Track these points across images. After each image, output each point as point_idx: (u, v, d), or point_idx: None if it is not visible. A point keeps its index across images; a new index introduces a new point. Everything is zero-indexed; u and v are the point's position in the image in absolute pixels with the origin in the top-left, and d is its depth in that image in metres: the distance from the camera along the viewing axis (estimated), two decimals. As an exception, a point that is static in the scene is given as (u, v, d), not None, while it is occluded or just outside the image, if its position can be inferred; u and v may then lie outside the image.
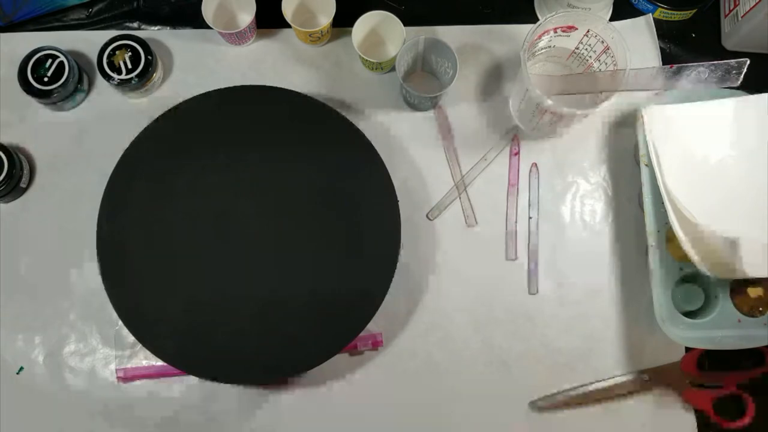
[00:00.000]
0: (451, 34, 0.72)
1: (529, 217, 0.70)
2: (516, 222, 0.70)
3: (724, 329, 0.65)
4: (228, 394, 0.65)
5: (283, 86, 0.68)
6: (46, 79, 0.68)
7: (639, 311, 0.68)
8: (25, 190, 0.69)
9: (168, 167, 0.66)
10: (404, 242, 0.65)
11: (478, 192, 0.71)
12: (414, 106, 0.72)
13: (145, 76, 0.69)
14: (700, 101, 0.67)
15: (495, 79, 0.74)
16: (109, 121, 0.71)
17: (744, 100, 0.67)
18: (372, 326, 0.64)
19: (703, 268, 0.62)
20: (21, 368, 0.66)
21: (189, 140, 0.66)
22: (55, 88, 0.68)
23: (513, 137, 0.72)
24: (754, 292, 0.65)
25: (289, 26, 0.70)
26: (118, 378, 0.65)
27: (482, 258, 0.69)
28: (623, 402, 0.67)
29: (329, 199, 0.65)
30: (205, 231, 0.65)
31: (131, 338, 0.62)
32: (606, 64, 0.67)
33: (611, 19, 0.74)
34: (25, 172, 0.68)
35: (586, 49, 0.68)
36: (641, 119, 0.68)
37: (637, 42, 0.74)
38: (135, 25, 0.74)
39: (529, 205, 0.71)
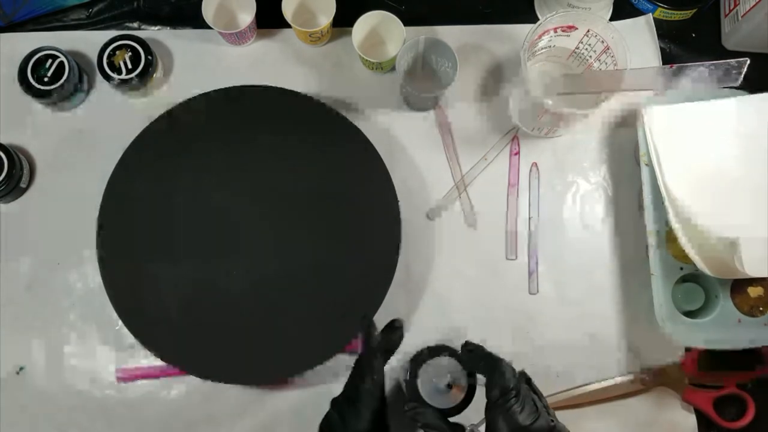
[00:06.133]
0: (451, 34, 0.72)
1: (529, 217, 0.70)
2: (516, 222, 0.70)
3: (724, 329, 0.65)
4: (228, 394, 0.65)
5: (283, 86, 0.68)
6: (46, 79, 0.68)
7: (639, 311, 0.68)
8: (25, 190, 0.69)
9: (168, 167, 0.66)
10: (404, 242, 0.65)
11: (478, 192, 0.71)
12: (414, 106, 0.72)
13: (145, 76, 0.69)
14: (701, 101, 0.67)
15: (495, 79, 0.74)
16: (109, 121, 0.71)
17: (744, 100, 0.67)
18: (372, 326, 0.64)
19: (704, 268, 0.62)
20: (21, 368, 0.66)
21: (189, 140, 0.66)
22: (55, 88, 0.68)
23: (513, 137, 0.72)
24: (754, 292, 0.65)
25: (289, 26, 0.70)
26: (118, 378, 0.65)
27: (482, 258, 0.69)
28: (623, 402, 0.67)
29: (329, 199, 0.65)
30: (205, 231, 0.65)
31: (131, 338, 0.62)
32: (606, 64, 0.67)
33: (611, 19, 0.74)
34: (25, 172, 0.68)
35: (587, 49, 0.68)
36: (641, 119, 0.68)
37: (637, 42, 0.74)
38: (135, 25, 0.74)
39: (529, 205, 0.71)
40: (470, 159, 0.71)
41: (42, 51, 0.69)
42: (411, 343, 0.67)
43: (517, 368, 0.67)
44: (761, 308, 0.65)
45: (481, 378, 0.52)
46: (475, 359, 0.53)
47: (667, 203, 0.64)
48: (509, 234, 0.70)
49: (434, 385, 0.55)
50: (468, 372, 0.55)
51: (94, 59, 0.69)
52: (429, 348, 0.58)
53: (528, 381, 0.54)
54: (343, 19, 0.70)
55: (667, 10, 0.74)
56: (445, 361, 0.56)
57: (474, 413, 0.54)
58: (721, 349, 0.65)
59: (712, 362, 0.65)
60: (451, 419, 0.53)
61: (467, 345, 0.55)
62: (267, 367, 0.62)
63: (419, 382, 0.56)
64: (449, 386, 0.55)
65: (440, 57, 0.69)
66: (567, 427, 0.50)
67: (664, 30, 0.75)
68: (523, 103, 0.70)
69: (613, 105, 0.72)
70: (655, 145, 0.66)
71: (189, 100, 0.67)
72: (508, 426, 0.47)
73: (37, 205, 0.69)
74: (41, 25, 0.74)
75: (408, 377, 0.57)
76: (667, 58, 0.75)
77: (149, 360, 0.65)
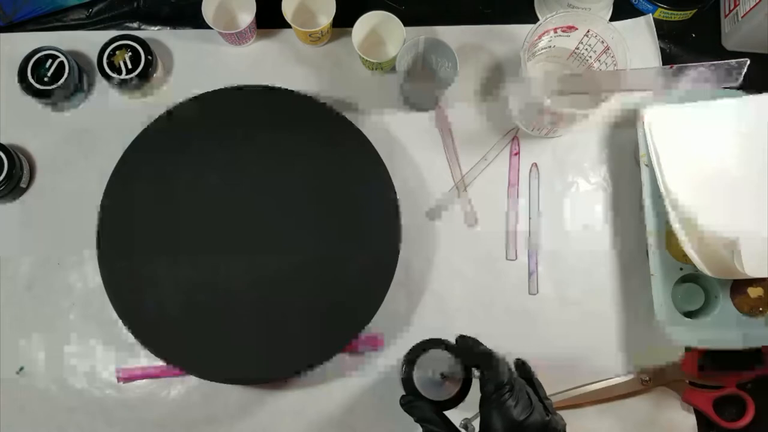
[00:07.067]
0: (451, 34, 0.72)
1: (529, 217, 0.70)
2: (516, 222, 0.70)
3: (724, 329, 0.65)
4: (228, 394, 0.65)
5: (283, 86, 0.68)
6: (46, 79, 0.68)
7: (639, 311, 0.68)
8: (25, 190, 0.69)
9: (168, 167, 0.66)
10: (404, 242, 0.65)
11: (478, 192, 0.71)
12: (414, 106, 0.72)
13: (145, 76, 0.69)
14: (701, 101, 0.67)
15: (495, 79, 0.74)
16: (109, 121, 0.71)
17: (744, 100, 0.67)
18: (372, 326, 0.64)
19: (704, 268, 0.62)
20: (21, 368, 0.66)
21: (189, 140, 0.66)
22: (55, 88, 0.68)
23: (513, 137, 0.72)
24: (754, 292, 0.65)
25: (289, 26, 0.70)
26: (118, 378, 0.65)
27: (482, 258, 0.69)
28: (623, 402, 0.67)
29: (329, 199, 0.65)
30: (205, 231, 0.65)
31: (131, 338, 0.62)
32: (606, 64, 0.67)
33: (611, 19, 0.74)
34: (25, 172, 0.68)
35: (587, 49, 0.68)
36: (641, 119, 0.68)
37: (637, 42, 0.74)
38: (135, 25, 0.74)
39: (529, 205, 0.71)
40: (470, 159, 0.71)
41: (42, 51, 0.69)
42: (411, 343, 0.67)
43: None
44: (761, 308, 0.65)
45: (477, 372, 0.52)
46: (470, 353, 0.53)
47: (667, 203, 0.64)
48: (509, 234, 0.70)
49: (429, 377, 0.55)
50: (463, 365, 0.55)
51: (94, 59, 0.69)
52: (424, 341, 0.58)
53: (523, 364, 0.54)
54: (343, 19, 0.70)
55: (667, 11, 0.74)
56: (440, 354, 0.56)
57: (470, 407, 0.54)
58: (720, 349, 0.65)
59: (711, 362, 0.65)
60: (447, 412, 0.53)
61: (463, 338, 0.55)
62: (267, 367, 0.62)
63: (414, 374, 0.56)
64: (444, 378, 0.55)
65: (440, 57, 0.69)
66: (564, 419, 0.50)
67: (664, 30, 0.75)
68: (523, 103, 0.70)
69: (613, 105, 0.72)
70: (655, 145, 0.66)
71: (189, 100, 0.67)
72: (503, 421, 0.47)
73: (37, 205, 0.69)
74: (41, 25, 0.74)
75: (404, 370, 0.57)
76: (667, 59, 0.75)
77: (149, 360, 0.65)
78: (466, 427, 0.52)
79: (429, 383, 0.55)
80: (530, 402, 0.48)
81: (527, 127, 0.72)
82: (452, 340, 0.58)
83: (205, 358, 0.62)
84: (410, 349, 0.58)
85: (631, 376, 0.67)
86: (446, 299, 0.68)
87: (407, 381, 0.56)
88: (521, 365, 0.54)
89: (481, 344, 0.54)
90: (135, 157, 0.65)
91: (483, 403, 0.49)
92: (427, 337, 0.63)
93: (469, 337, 0.54)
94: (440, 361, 0.56)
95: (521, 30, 0.74)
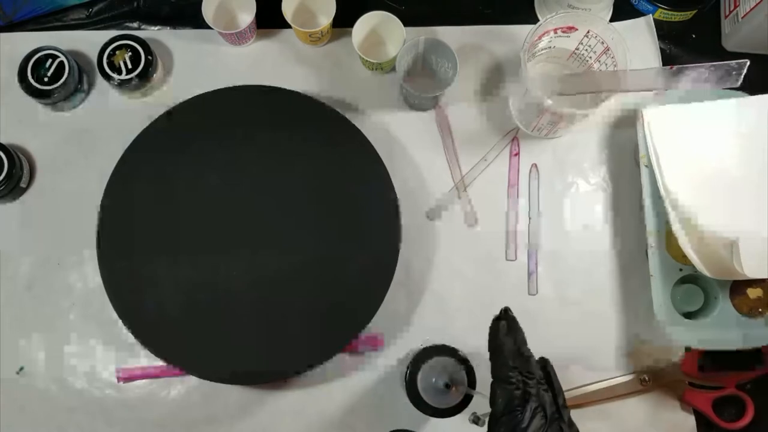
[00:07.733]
0: (451, 34, 0.72)
1: (529, 218, 0.70)
2: (516, 222, 0.70)
3: (724, 329, 0.65)
4: (228, 394, 0.65)
5: (283, 86, 0.68)
6: (46, 79, 0.68)
7: (639, 311, 0.68)
8: (25, 190, 0.69)
9: (168, 167, 0.66)
10: (404, 242, 0.65)
11: (478, 192, 0.71)
12: (414, 106, 0.72)
13: (145, 76, 0.69)
14: (701, 102, 0.67)
15: (495, 79, 0.74)
16: (109, 121, 0.71)
17: (744, 101, 0.67)
18: (372, 326, 0.64)
19: (703, 269, 0.62)
20: (21, 368, 0.66)
21: (189, 140, 0.66)
22: (55, 88, 0.68)
23: (513, 138, 0.72)
24: (753, 292, 0.65)
25: (289, 26, 0.70)
26: (118, 378, 0.65)
27: (482, 258, 0.69)
28: (623, 402, 0.67)
29: (329, 199, 0.66)
30: (205, 231, 0.65)
31: (131, 338, 0.62)
32: (606, 64, 0.67)
33: (611, 20, 0.74)
34: (25, 172, 0.68)
35: (587, 50, 0.68)
36: (641, 119, 0.68)
37: (637, 43, 0.74)
38: (135, 25, 0.74)
39: (529, 206, 0.71)
40: (470, 159, 0.71)
41: (42, 51, 0.69)
42: (411, 343, 0.67)
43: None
44: (761, 309, 0.65)
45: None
46: (493, 340, 0.49)
47: (666, 204, 0.64)
48: (509, 234, 0.70)
49: (433, 384, 0.55)
50: (467, 373, 0.55)
51: (94, 59, 0.69)
52: (429, 347, 0.58)
53: (545, 365, 0.50)
54: (343, 20, 0.70)
55: (667, 11, 0.74)
56: (444, 360, 0.56)
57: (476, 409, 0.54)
58: (720, 350, 0.65)
59: (711, 363, 0.65)
60: (451, 419, 0.53)
61: (507, 312, 0.51)
62: (267, 367, 0.62)
63: (419, 381, 0.56)
64: (448, 386, 0.55)
65: (440, 57, 0.69)
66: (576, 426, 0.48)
67: (664, 31, 0.75)
68: (523, 104, 0.70)
69: (613, 105, 0.72)
70: (655, 145, 0.67)
71: (189, 100, 0.67)
72: None
73: (37, 205, 0.69)
74: (41, 25, 0.74)
75: (408, 376, 0.57)
76: (667, 59, 0.75)
77: (149, 360, 0.65)
78: (476, 421, 0.52)
79: (433, 390, 0.55)
80: (545, 418, 0.45)
81: (527, 128, 0.72)
82: (452, 340, 0.58)
83: (205, 358, 0.62)
84: (414, 355, 0.58)
85: (631, 377, 0.67)
86: (446, 299, 0.68)
87: (411, 387, 0.56)
88: (544, 368, 0.50)
89: (513, 340, 0.49)
90: (135, 157, 0.65)
91: (492, 422, 0.46)
92: (428, 337, 0.63)
93: (511, 315, 0.51)
94: (444, 368, 0.55)
95: (521, 30, 0.74)
